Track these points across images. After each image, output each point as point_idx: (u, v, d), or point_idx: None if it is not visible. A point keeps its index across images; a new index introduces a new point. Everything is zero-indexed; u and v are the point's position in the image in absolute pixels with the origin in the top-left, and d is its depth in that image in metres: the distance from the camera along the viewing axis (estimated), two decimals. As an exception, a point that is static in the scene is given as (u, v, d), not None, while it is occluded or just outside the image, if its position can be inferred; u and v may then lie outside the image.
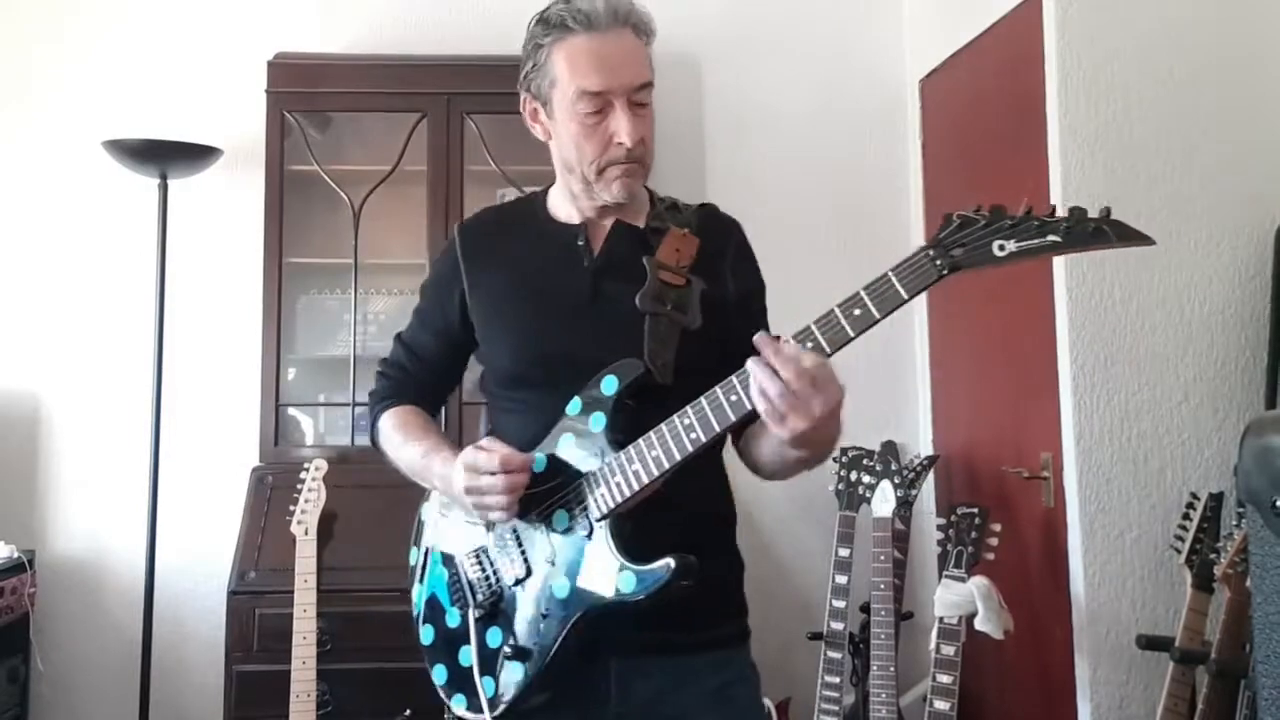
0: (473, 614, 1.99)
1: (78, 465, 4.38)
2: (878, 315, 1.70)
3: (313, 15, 4.55)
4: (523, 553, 1.96)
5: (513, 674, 1.93)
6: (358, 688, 3.60)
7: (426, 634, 2.10)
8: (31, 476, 4.37)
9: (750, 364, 1.69)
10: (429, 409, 2.27)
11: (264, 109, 4.20)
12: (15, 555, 4.02)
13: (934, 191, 4.46)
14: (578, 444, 1.92)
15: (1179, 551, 3.12)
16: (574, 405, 1.94)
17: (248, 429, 4.16)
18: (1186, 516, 3.15)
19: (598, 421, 1.91)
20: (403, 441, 2.14)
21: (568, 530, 1.90)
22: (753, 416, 1.74)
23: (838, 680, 3.79)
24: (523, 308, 2.08)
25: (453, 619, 2.04)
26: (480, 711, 1.96)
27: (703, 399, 1.78)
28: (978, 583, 3.32)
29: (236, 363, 4.32)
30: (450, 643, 2.03)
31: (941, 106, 4.40)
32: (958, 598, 3.33)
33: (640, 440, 1.84)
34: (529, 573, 1.94)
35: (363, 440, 4.13)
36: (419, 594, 2.14)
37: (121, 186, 4.33)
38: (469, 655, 1.98)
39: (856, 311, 1.69)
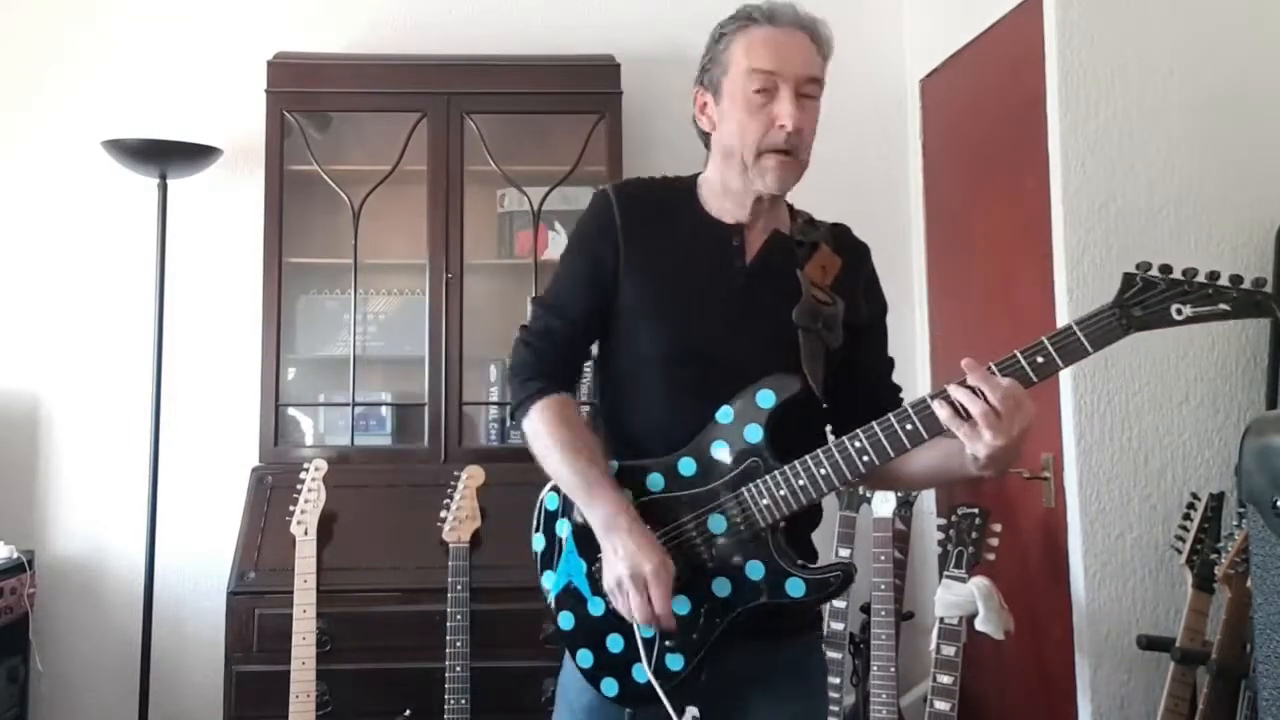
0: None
1: (77, 465, 4.38)
2: (1061, 364, 1.85)
3: (313, 15, 4.55)
4: (679, 553, 2.00)
5: (673, 664, 2.01)
6: (358, 688, 3.60)
7: (566, 620, 2.12)
8: (31, 477, 4.37)
9: (951, 389, 1.84)
10: (575, 383, 2.24)
11: (264, 109, 4.19)
12: (15, 555, 4.02)
13: (934, 191, 4.45)
14: (733, 454, 2.00)
15: (1180, 552, 3.12)
16: (725, 414, 2.02)
17: (247, 429, 4.15)
18: (1187, 517, 3.15)
19: (753, 433, 1.99)
20: (561, 450, 2.07)
21: (726, 534, 1.99)
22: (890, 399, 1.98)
23: (838, 681, 3.79)
24: (678, 299, 2.11)
25: (595, 607, 2.07)
26: (630, 698, 2.05)
27: (874, 425, 1.92)
28: (978, 583, 3.32)
29: (236, 363, 4.32)
30: (595, 630, 2.07)
31: (942, 106, 4.40)
32: (958, 598, 3.33)
33: (807, 458, 1.95)
34: (685, 573, 1.99)
35: (362, 440, 4.17)
36: (554, 581, 2.13)
37: (121, 186, 4.33)
38: (618, 643, 2.04)
39: (1040, 359, 1.85)
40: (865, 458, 1.92)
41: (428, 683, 3.50)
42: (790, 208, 2.27)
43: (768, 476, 1.97)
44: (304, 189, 4.29)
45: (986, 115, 4.00)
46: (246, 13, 4.54)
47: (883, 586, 3.62)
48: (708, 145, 2.23)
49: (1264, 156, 3.41)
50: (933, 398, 1.88)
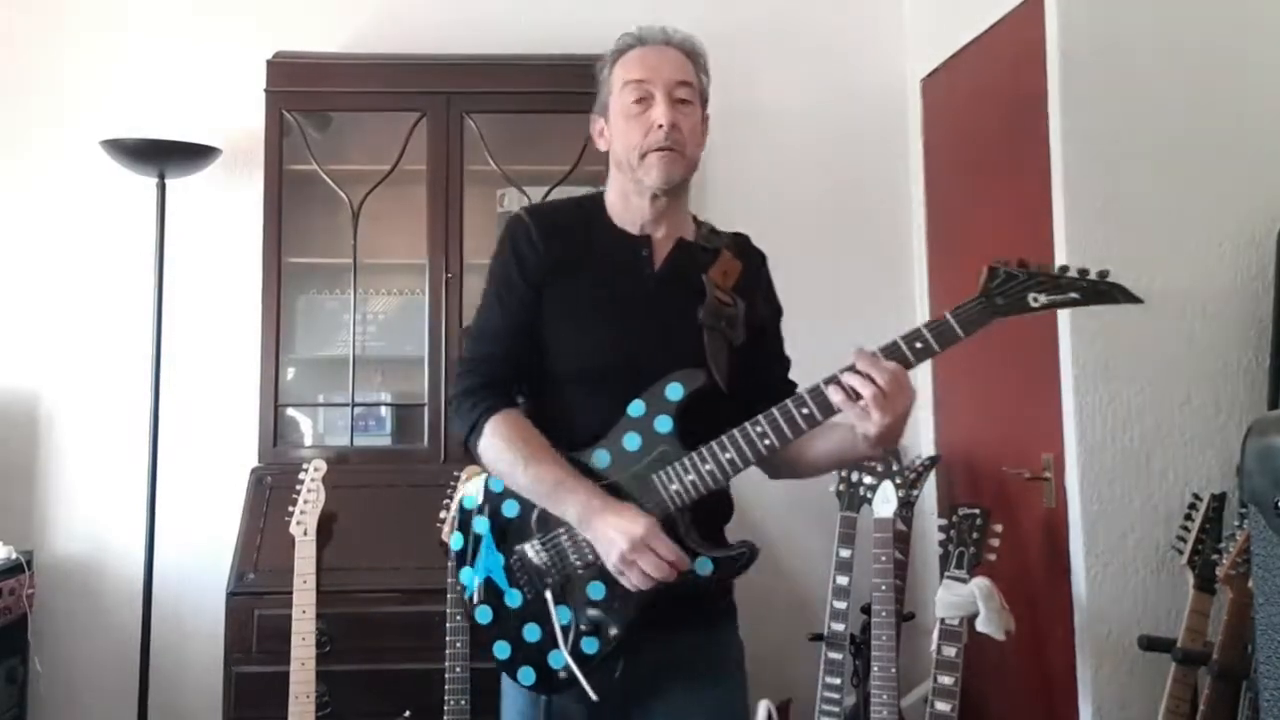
0: (550, 595, 2.14)
1: (76, 466, 4.38)
2: (937, 348, 2.06)
3: (312, 14, 4.54)
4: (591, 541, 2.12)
5: (588, 647, 2.13)
6: (357, 689, 3.60)
7: (483, 614, 2.22)
8: (30, 477, 4.36)
9: (843, 374, 2.02)
10: (515, 400, 2.32)
11: (263, 108, 4.19)
12: (14, 556, 4.02)
13: (935, 191, 4.45)
14: (644, 444, 2.13)
15: (1181, 552, 3.11)
16: (637, 407, 2.15)
17: (247, 429, 4.15)
18: (1188, 517, 3.15)
19: (663, 424, 2.13)
20: (524, 462, 2.16)
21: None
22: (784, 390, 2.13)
23: (839, 681, 3.78)
24: (595, 308, 2.26)
25: (513, 599, 2.19)
26: (546, 685, 2.18)
27: (774, 411, 2.07)
28: (979, 584, 3.32)
29: (235, 363, 4.31)
30: (512, 621, 2.19)
31: (943, 106, 4.39)
32: (959, 599, 3.33)
33: (713, 443, 2.08)
34: (599, 559, 2.10)
35: (362, 441, 4.16)
36: (470, 576, 2.25)
37: (120, 186, 4.33)
38: (536, 632, 2.16)
39: (918, 345, 2.05)
40: (766, 440, 2.06)
41: (427, 683, 3.49)
42: (694, 218, 2.41)
43: (676, 463, 2.10)
44: (303, 189, 4.29)
45: (987, 115, 4.00)
46: (246, 12, 4.53)
47: (883, 587, 3.61)
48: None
49: (1265, 157, 3.41)
50: (826, 383, 2.04)
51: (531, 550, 2.17)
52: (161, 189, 4.17)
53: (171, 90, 4.45)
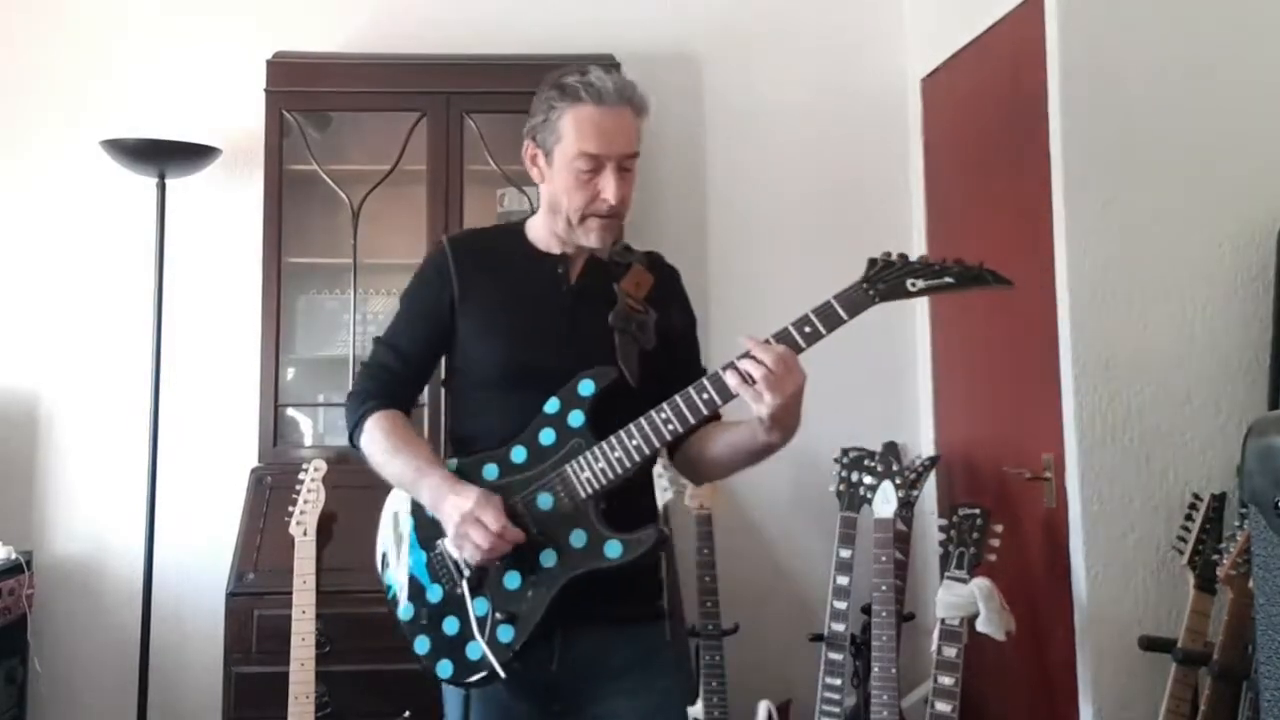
0: (465, 586, 2.23)
1: (76, 466, 4.38)
2: (824, 331, 2.13)
3: (312, 14, 4.55)
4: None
5: (504, 635, 2.20)
6: (357, 689, 3.60)
7: (406, 611, 2.32)
8: (30, 477, 4.36)
9: (737, 360, 2.11)
10: (408, 408, 2.47)
11: (263, 108, 4.20)
12: (13, 556, 4.02)
13: (935, 190, 4.45)
14: (558, 438, 2.24)
15: (1181, 552, 3.12)
16: (552, 404, 2.25)
17: (247, 429, 4.15)
18: (1189, 517, 3.15)
19: (576, 418, 2.23)
20: (393, 451, 2.33)
21: (553, 509, 2.21)
22: (714, 415, 2.24)
23: (839, 682, 3.79)
24: (511, 321, 2.37)
25: (434, 594, 2.28)
26: (462, 678, 2.24)
27: (676, 397, 2.17)
28: (979, 584, 3.32)
29: (235, 363, 4.32)
30: (432, 616, 2.28)
31: (943, 106, 4.39)
32: (959, 599, 3.33)
33: (620, 431, 2.18)
34: (515, 549, 2.18)
35: (362, 441, 4.15)
36: (393, 577, 2.35)
37: (120, 186, 4.34)
38: (454, 625, 2.25)
39: (807, 329, 2.13)
40: (670, 426, 2.16)
41: (426, 684, 3.49)
42: (614, 241, 2.48)
43: (588, 452, 2.20)
44: (303, 189, 4.29)
45: (987, 114, 4.00)
46: (245, 12, 4.54)
47: (884, 587, 3.61)
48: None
49: (1265, 156, 3.41)
50: (724, 369, 2.12)
51: (451, 544, 2.23)
52: (161, 189, 4.17)
53: (171, 90, 4.46)
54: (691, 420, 2.16)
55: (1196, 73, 3.40)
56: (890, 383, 4.46)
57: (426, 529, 2.30)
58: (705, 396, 2.15)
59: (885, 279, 2.13)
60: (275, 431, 4.13)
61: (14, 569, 4.00)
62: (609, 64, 4.19)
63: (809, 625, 3.93)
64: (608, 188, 2.29)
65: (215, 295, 4.43)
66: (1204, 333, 3.36)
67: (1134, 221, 3.37)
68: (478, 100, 4.23)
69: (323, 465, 3.73)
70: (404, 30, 4.52)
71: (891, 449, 3.92)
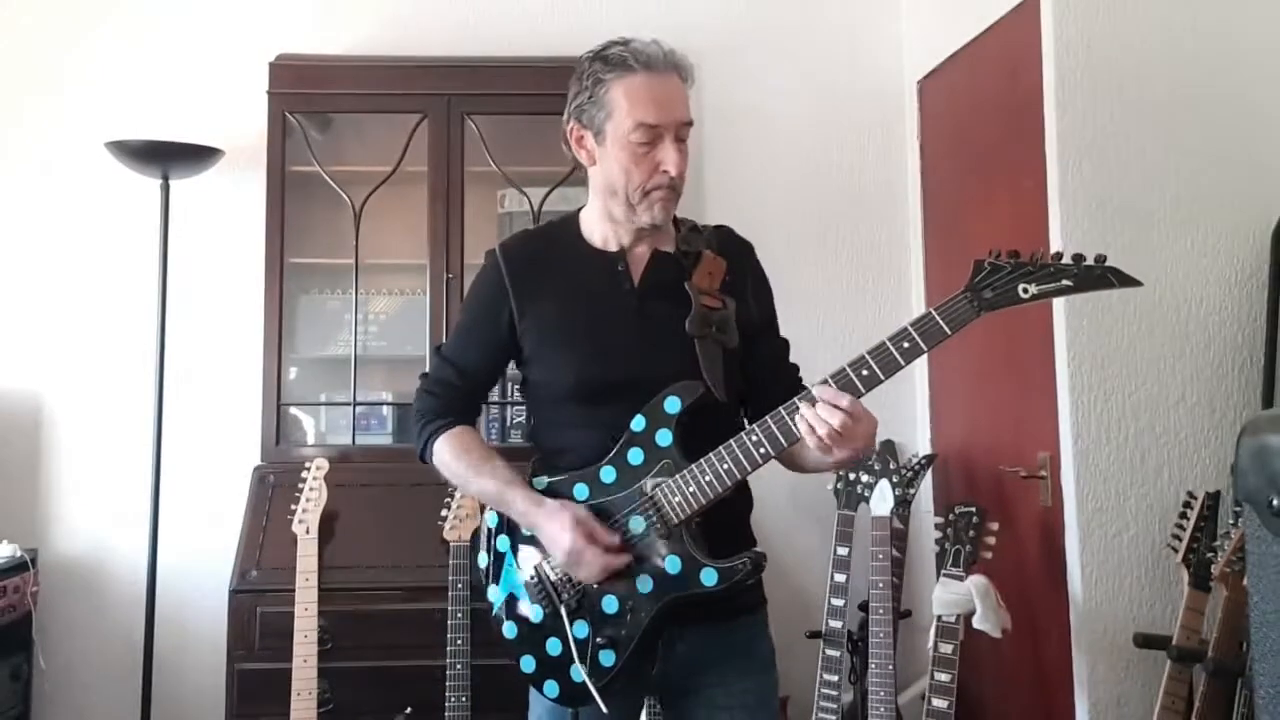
0: (564, 611, 2.19)
1: (80, 465, 4.40)
2: (925, 348, 2.05)
3: (314, 17, 4.56)
4: None
5: (605, 659, 2.17)
6: (359, 686, 3.62)
7: (510, 629, 2.29)
8: (34, 476, 4.38)
9: (803, 408, 2.04)
10: (474, 419, 2.43)
11: (265, 110, 4.22)
12: (18, 554, 4.03)
13: (932, 192, 4.47)
14: (646, 458, 2.17)
15: (1176, 550, 3.13)
16: (639, 422, 2.18)
17: (249, 428, 4.17)
18: (1183, 515, 3.17)
19: (664, 437, 2.16)
20: (474, 471, 2.30)
21: (645, 533, 2.15)
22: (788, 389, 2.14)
23: (836, 678, 3.81)
24: (576, 331, 2.28)
25: (535, 615, 2.24)
26: (569, 698, 2.22)
27: (768, 419, 2.09)
28: (975, 581, 3.34)
29: (238, 362, 4.34)
30: (535, 636, 2.25)
31: (940, 107, 4.41)
32: (956, 596, 3.35)
33: (711, 455, 2.11)
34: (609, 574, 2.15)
35: (364, 440, 4.18)
36: (497, 594, 2.31)
37: (124, 187, 4.35)
38: (557, 646, 2.21)
39: (906, 345, 2.06)
40: (762, 450, 2.09)
41: (428, 680, 3.52)
42: (675, 219, 2.39)
43: (677, 475, 2.14)
44: (305, 190, 4.31)
45: (984, 116, 4.02)
46: (248, 14, 4.56)
47: (880, 585, 3.63)
48: (580, 168, 2.40)
49: (1260, 157, 3.42)
50: (800, 399, 2.06)
51: (549, 566, 2.22)
52: (165, 190, 4.18)
53: (175, 92, 4.48)
54: (785, 444, 2.09)
55: (1191, 73, 3.42)
56: (887, 382, 4.47)
57: (523, 548, 2.27)
58: (798, 420, 2.07)
59: (994, 285, 2.01)
60: (278, 430, 4.15)
61: (19, 567, 4.01)
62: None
63: (807, 622, 3.95)
64: (668, 158, 2.21)
65: (218, 295, 4.45)
66: (1199, 332, 3.38)
67: (1129, 221, 3.38)
68: (478, 102, 4.25)
69: (325, 464, 3.76)
70: (405, 33, 4.54)
71: (888, 448, 3.94)
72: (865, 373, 2.06)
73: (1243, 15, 3.46)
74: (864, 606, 3.77)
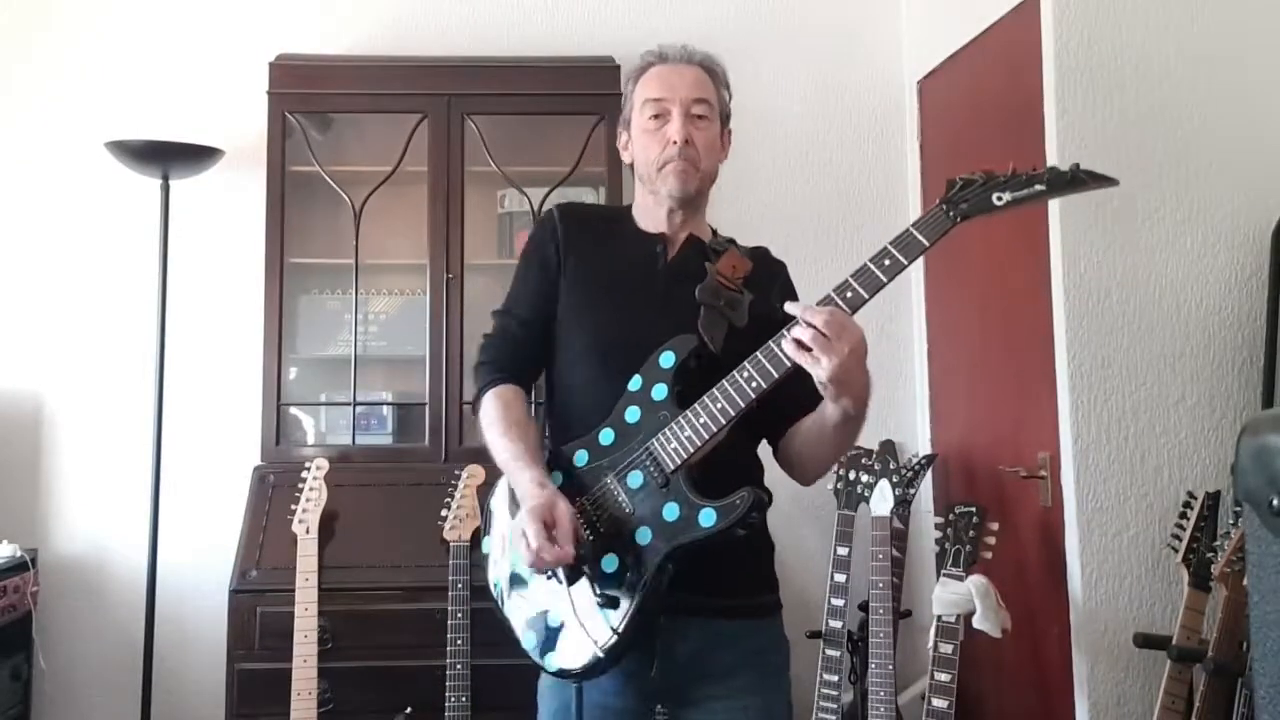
0: (563, 575, 2.14)
1: (80, 465, 4.40)
2: (905, 261, 2.03)
3: (314, 16, 4.57)
4: (602, 514, 2.16)
5: (606, 619, 2.11)
6: (359, 685, 3.62)
7: (511, 607, 2.28)
8: (34, 476, 4.38)
9: (792, 326, 2.01)
10: (528, 383, 2.44)
11: (265, 110, 4.22)
12: (18, 554, 4.03)
13: (932, 192, 4.46)
14: (643, 414, 2.18)
15: (1176, 550, 3.13)
16: (635, 381, 2.21)
17: (249, 428, 4.17)
18: (1183, 515, 3.17)
19: (659, 391, 2.18)
20: (500, 436, 2.29)
21: (643, 486, 2.13)
22: (797, 374, 2.04)
23: (836, 678, 3.81)
24: (606, 296, 2.36)
25: (536, 588, 2.22)
26: (571, 665, 2.16)
27: (758, 353, 2.07)
28: (975, 581, 3.34)
29: (238, 362, 4.34)
30: (537, 609, 2.22)
31: (940, 107, 4.42)
32: (956, 596, 3.35)
33: (704, 397, 2.10)
34: (610, 530, 2.14)
35: (364, 440, 4.19)
36: (498, 573, 2.31)
37: (124, 187, 4.35)
38: (557, 617, 2.18)
39: (887, 262, 2.03)
40: (754, 384, 2.06)
41: (429, 680, 3.52)
42: (714, 231, 2.49)
43: (672, 423, 2.13)
44: (305, 190, 4.31)
45: (984, 116, 4.02)
46: (248, 14, 4.56)
47: (880, 585, 3.63)
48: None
49: (1260, 157, 3.43)
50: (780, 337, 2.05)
51: None
52: (165, 190, 4.19)
53: (175, 92, 4.48)
54: (776, 375, 2.05)
55: (1191, 73, 3.42)
56: (887, 382, 4.47)
57: None
58: (786, 349, 2.04)
59: (967, 197, 2.04)
60: (278, 430, 4.15)
61: (19, 566, 4.02)
62: (608, 65, 4.23)
63: (807, 622, 3.94)
64: (673, 128, 2.31)
65: (218, 295, 4.45)
66: (1199, 332, 3.39)
67: (1129, 221, 3.39)
68: (478, 102, 4.25)
69: (325, 464, 3.76)
70: (405, 33, 4.55)
71: (888, 448, 3.94)
72: (849, 294, 2.04)
73: (1243, 15, 3.46)
74: (864, 606, 3.77)
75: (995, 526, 3.42)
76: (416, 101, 4.24)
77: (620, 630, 2.09)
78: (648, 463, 2.13)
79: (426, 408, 4.14)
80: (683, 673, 2.21)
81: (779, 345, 2.04)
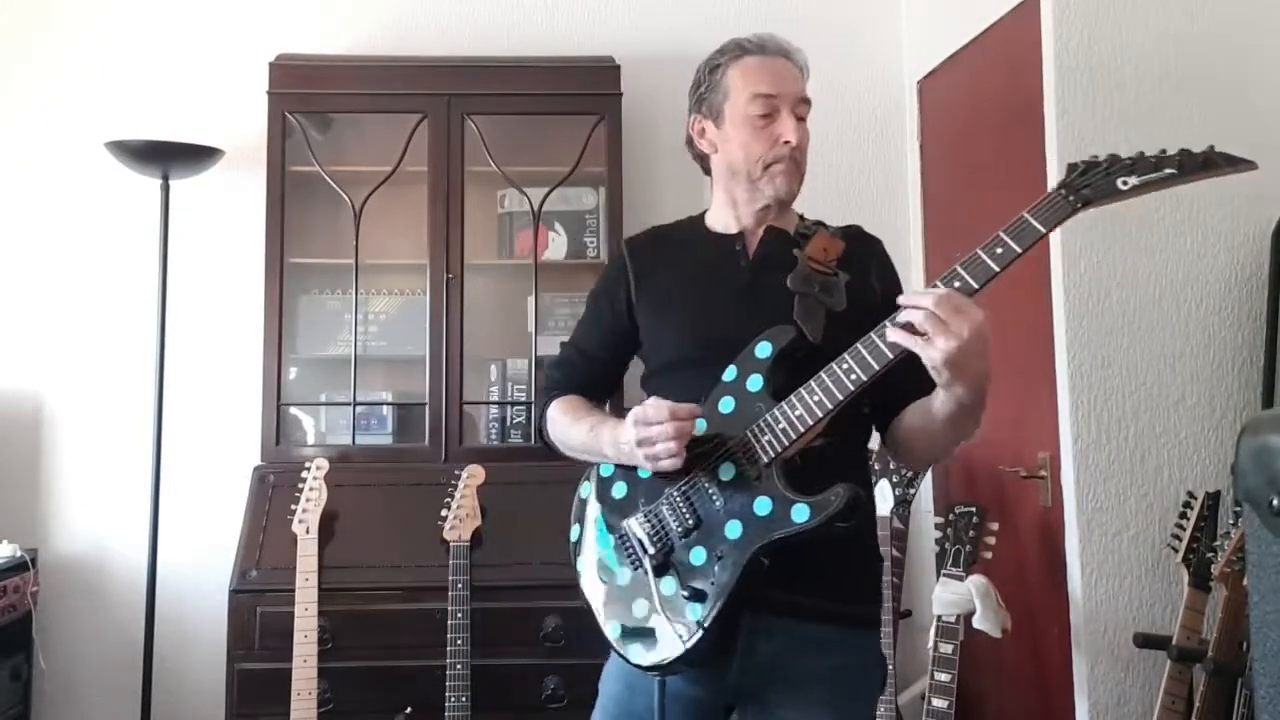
0: (650, 564, 2.12)
1: (80, 465, 4.40)
2: (1018, 250, 1.95)
3: (314, 16, 4.57)
4: (691, 507, 2.11)
5: (691, 613, 2.06)
6: (359, 685, 3.62)
7: (596, 596, 2.24)
8: (34, 476, 4.38)
9: (901, 311, 1.93)
10: (594, 399, 2.45)
11: (265, 110, 4.21)
12: (18, 554, 4.03)
13: (932, 192, 4.47)
14: (737, 405, 2.11)
15: (1176, 550, 3.14)
16: (730, 372, 2.14)
17: (249, 428, 4.17)
18: (1183, 515, 3.17)
19: (755, 382, 2.10)
20: (571, 422, 2.33)
21: (735, 479, 2.07)
22: (908, 360, 1.95)
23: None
24: (687, 300, 2.31)
25: (622, 577, 2.19)
26: (654, 658, 2.11)
27: (858, 344, 1.99)
28: (975, 581, 3.34)
29: (238, 362, 4.34)
30: (622, 599, 2.18)
31: (940, 107, 4.42)
32: (956, 596, 3.35)
33: (801, 389, 2.03)
34: (699, 523, 2.09)
35: (364, 440, 4.19)
36: (584, 562, 2.28)
37: (124, 187, 4.35)
38: (643, 607, 2.13)
39: (999, 250, 1.96)
40: (853, 376, 1.99)
41: (429, 680, 3.52)
42: (800, 216, 2.44)
43: (768, 414, 2.05)
44: (305, 190, 4.31)
45: (984, 116, 4.02)
46: (248, 14, 4.56)
47: (881, 585, 3.63)
48: (706, 169, 2.45)
49: (1261, 157, 3.41)
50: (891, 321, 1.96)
51: (636, 523, 2.16)
52: (165, 190, 4.19)
53: (175, 93, 4.49)
54: (876, 367, 1.97)
55: (1191, 74, 3.42)
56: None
57: (612, 512, 2.23)
58: (891, 340, 1.95)
59: (1089, 182, 1.94)
60: (278, 430, 4.15)
61: (19, 566, 4.02)
62: (608, 65, 4.24)
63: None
64: (786, 129, 2.26)
65: (218, 295, 4.45)
66: (1198, 332, 3.38)
67: (1128, 221, 3.39)
68: (478, 102, 4.25)
69: (325, 464, 3.76)
70: (405, 33, 4.55)
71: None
72: (957, 284, 1.97)
73: (1243, 15, 3.46)
74: (864, 606, 3.77)
75: (995, 526, 3.43)
76: (416, 101, 4.24)
77: (706, 626, 2.04)
78: (740, 455, 2.07)
79: (426, 408, 4.14)
80: (761, 674, 2.15)
81: (880, 336, 1.97)
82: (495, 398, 4.32)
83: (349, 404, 4.23)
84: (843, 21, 4.69)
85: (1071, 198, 1.93)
